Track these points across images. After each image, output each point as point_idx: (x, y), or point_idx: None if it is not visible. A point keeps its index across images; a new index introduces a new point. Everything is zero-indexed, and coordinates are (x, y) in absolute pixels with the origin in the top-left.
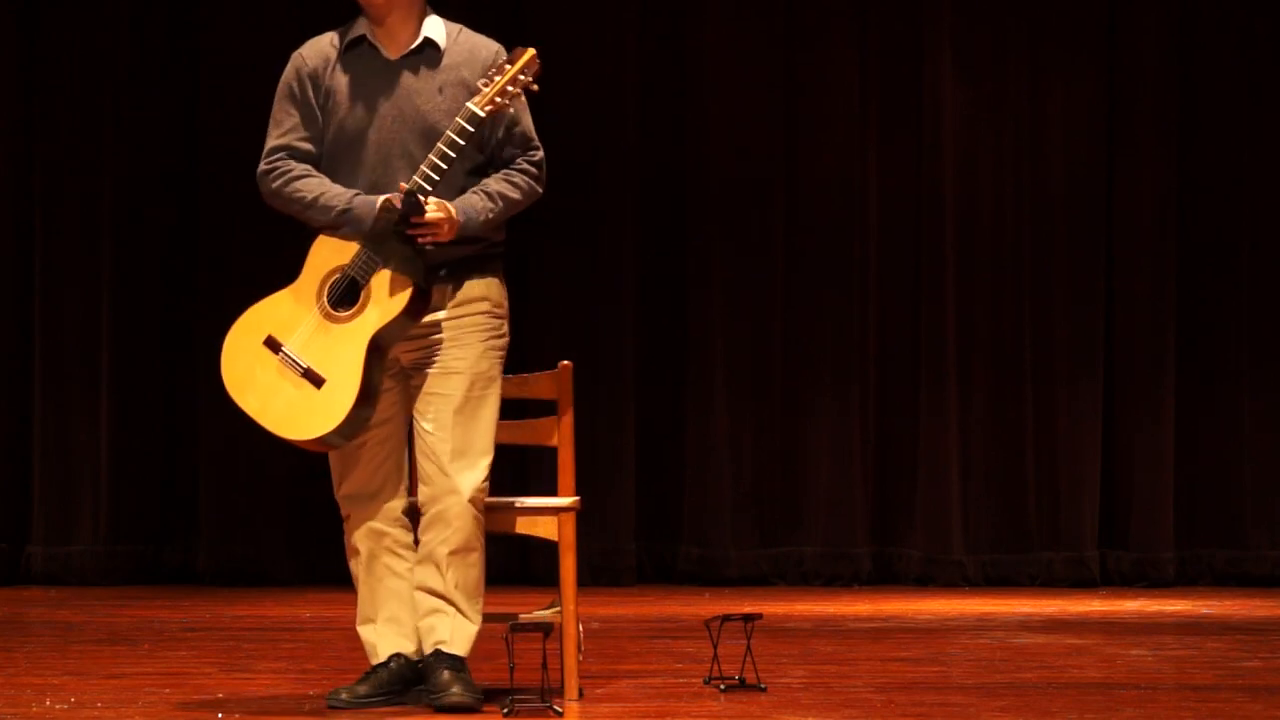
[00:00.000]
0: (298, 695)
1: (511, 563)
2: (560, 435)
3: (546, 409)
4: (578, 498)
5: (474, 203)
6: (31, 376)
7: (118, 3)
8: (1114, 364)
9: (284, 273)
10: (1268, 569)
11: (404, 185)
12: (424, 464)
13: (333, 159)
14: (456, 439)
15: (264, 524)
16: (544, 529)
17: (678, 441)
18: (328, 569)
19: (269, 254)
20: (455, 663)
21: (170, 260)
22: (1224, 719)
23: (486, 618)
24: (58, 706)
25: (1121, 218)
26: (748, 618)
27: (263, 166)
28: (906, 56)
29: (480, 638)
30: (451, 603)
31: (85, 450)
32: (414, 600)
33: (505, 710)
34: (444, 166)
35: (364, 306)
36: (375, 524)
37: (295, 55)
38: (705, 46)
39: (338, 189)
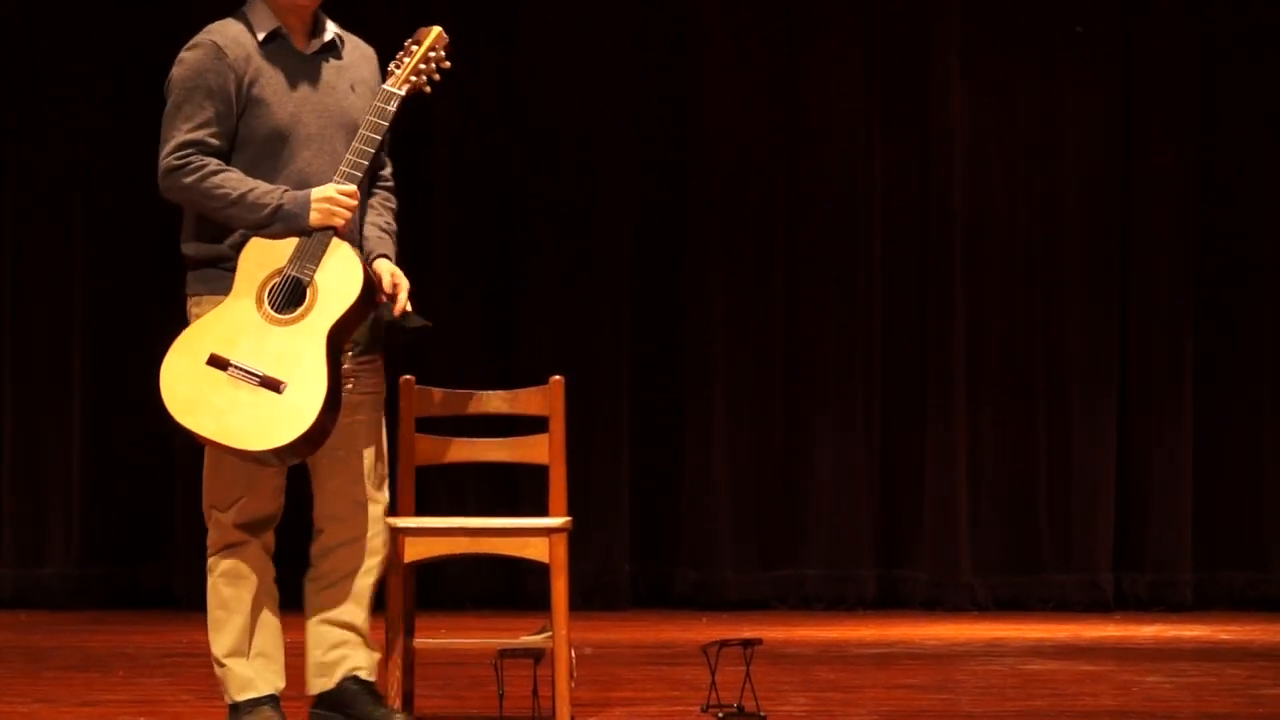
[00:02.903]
0: None
1: (501, 586)
2: (552, 452)
3: (537, 425)
4: (570, 518)
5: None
6: (0, 393)
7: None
8: (1129, 376)
9: None
10: None
11: (337, 178)
12: (340, 493)
13: (251, 156)
14: (377, 468)
15: None
16: (535, 550)
17: (674, 458)
18: None
19: None
20: (375, 689)
21: (144, 276)
22: None
23: (476, 641)
24: None
25: (1138, 224)
26: (747, 643)
27: (170, 160)
28: (913, 58)
29: (468, 663)
30: (361, 635)
31: (56, 469)
32: (315, 633)
33: None
34: (370, 151)
35: (313, 303)
36: (264, 555)
37: (208, 43)
38: (705, 48)
39: (264, 185)
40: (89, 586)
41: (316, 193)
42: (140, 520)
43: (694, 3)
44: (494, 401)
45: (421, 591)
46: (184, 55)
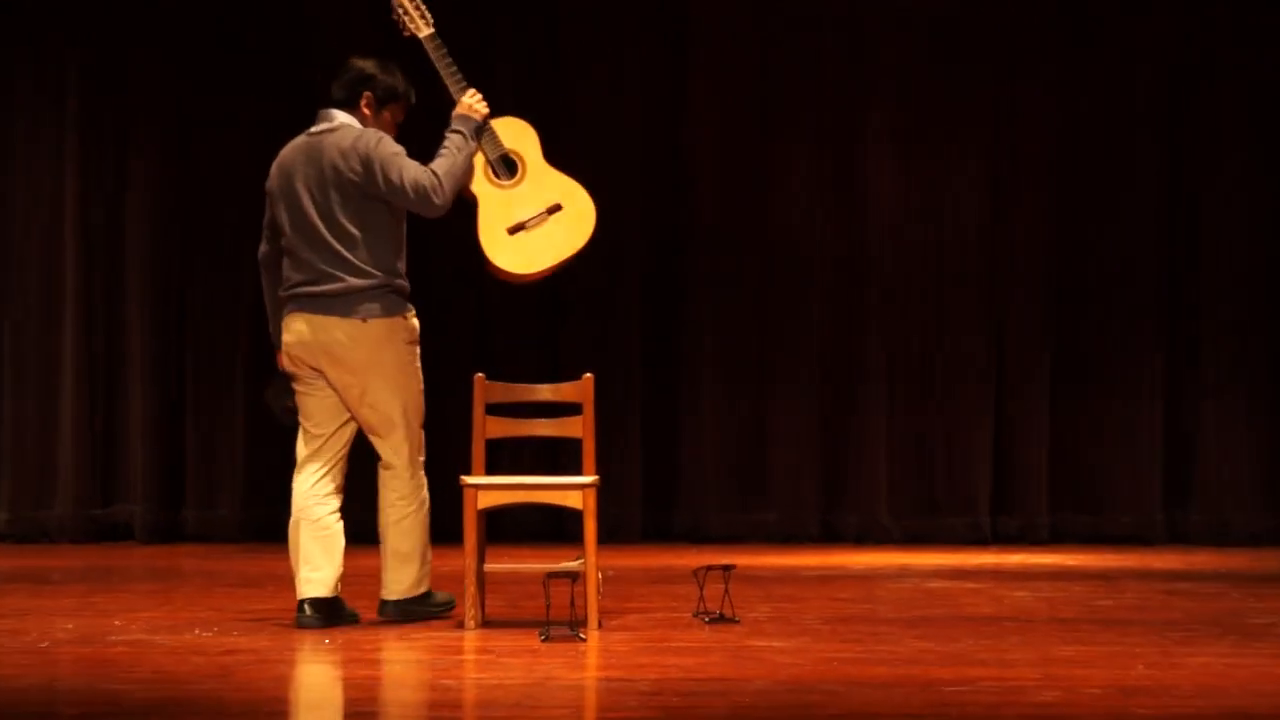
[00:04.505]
0: (388, 624)
1: (548, 526)
2: (584, 429)
3: (574, 409)
4: (597, 476)
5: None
6: (184, 378)
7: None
8: (1005, 371)
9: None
10: (1120, 530)
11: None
12: None
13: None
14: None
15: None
16: (572, 500)
17: (673, 432)
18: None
19: None
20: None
21: None
22: (1083, 644)
23: (529, 567)
24: (205, 634)
25: (1012, 260)
26: (726, 568)
27: (426, 178)
28: (848, 141)
29: (524, 582)
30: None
31: (227, 435)
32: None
33: (542, 637)
34: (456, 73)
35: (523, 157)
36: None
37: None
38: (698, 130)
39: (446, 141)
40: (252, 526)
41: (459, 109)
42: (287, 474)
43: (693, 113)
44: (542, 392)
45: (490, 530)
46: (383, 137)
